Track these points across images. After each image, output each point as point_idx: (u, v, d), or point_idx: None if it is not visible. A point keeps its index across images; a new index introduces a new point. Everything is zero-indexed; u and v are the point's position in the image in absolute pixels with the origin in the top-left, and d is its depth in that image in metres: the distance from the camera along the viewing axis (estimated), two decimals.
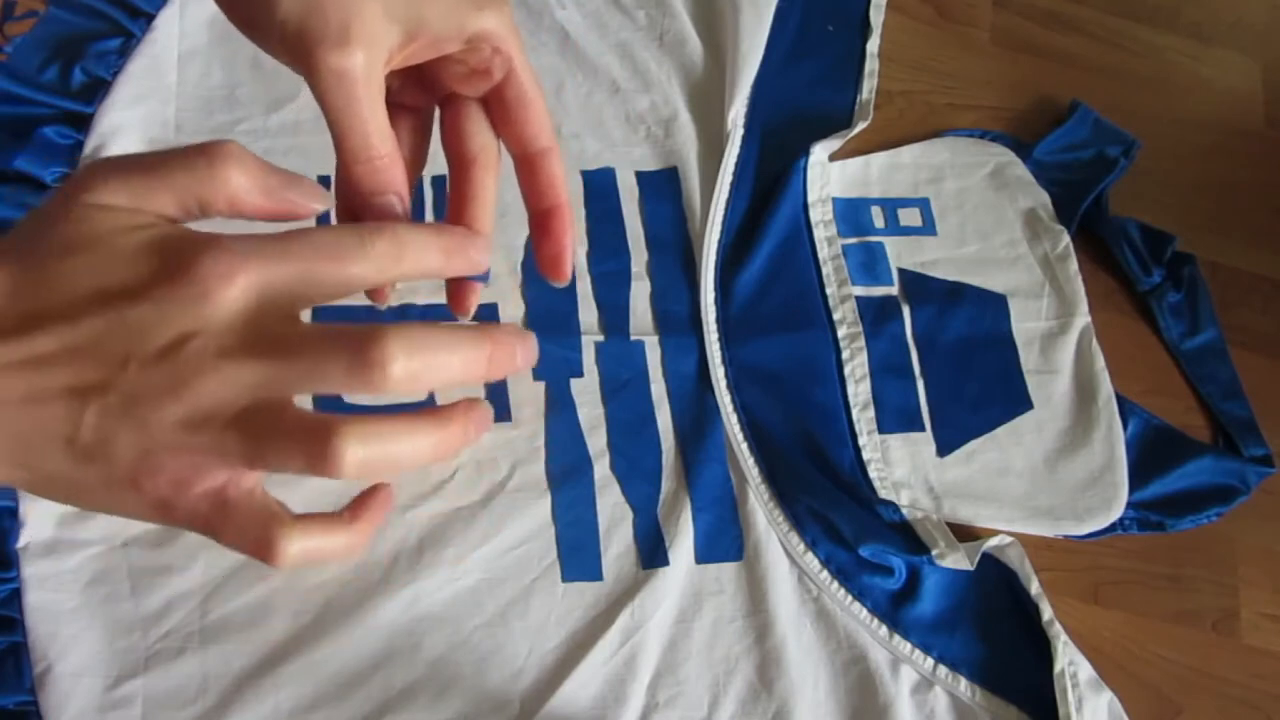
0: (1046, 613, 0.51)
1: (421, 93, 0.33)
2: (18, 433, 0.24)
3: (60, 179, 0.53)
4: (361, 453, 0.24)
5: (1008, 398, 0.58)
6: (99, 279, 0.24)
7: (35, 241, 0.25)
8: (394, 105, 0.32)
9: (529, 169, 0.33)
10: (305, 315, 0.27)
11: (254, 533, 0.25)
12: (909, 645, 0.51)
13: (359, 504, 0.28)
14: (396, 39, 0.28)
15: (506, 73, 0.31)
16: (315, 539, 0.26)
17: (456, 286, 0.33)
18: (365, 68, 0.28)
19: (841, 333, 0.58)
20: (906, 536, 0.53)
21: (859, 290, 0.60)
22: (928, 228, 0.62)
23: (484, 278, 0.31)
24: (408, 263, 0.26)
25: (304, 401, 0.26)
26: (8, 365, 0.23)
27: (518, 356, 0.27)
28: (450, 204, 0.32)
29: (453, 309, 0.33)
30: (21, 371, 0.23)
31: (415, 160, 0.34)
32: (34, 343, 0.23)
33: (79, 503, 0.26)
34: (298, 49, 0.27)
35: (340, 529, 0.27)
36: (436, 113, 0.34)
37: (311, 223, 0.27)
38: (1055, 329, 0.61)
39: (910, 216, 0.63)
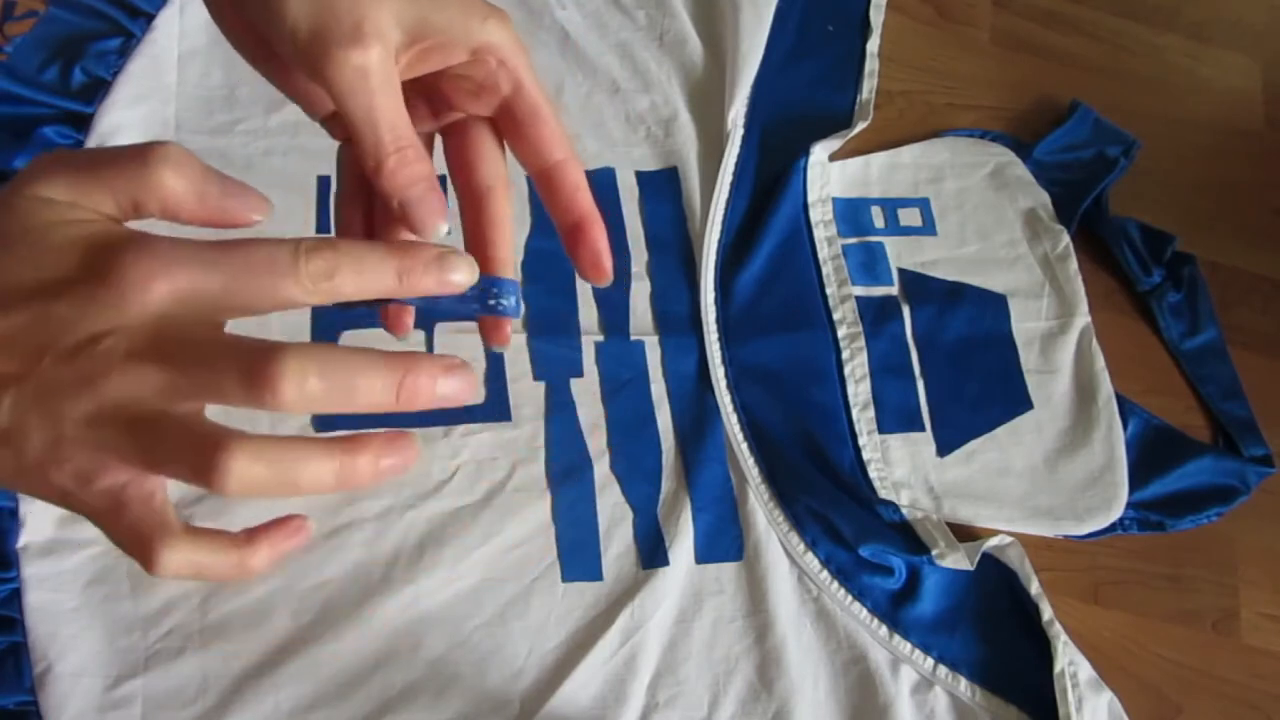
0: (1046, 613, 0.51)
1: (426, 116, 0.32)
2: None
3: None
4: (249, 470, 0.23)
5: (1008, 398, 0.58)
6: (29, 272, 0.24)
7: None
8: None
9: (548, 183, 0.32)
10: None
11: (139, 535, 0.25)
12: (909, 645, 0.51)
13: (262, 528, 0.27)
14: (400, 39, 0.29)
15: (514, 87, 0.31)
16: (200, 554, 0.26)
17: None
18: (382, 63, 0.28)
19: (841, 333, 0.58)
20: (906, 536, 0.53)
21: (859, 290, 0.60)
22: (928, 228, 0.62)
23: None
24: (347, 282, 0.25)
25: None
26: None
27: (437, 388, 0.25)
28: (470, 233, 0.32)
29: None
30: None
31: None
32: None
33: None
34: (311, 51, 0.27)
35: (231, 549, 0.26)
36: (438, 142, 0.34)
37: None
38: (1055, 329, 0.61)
39: (910, 216, 0.63)
